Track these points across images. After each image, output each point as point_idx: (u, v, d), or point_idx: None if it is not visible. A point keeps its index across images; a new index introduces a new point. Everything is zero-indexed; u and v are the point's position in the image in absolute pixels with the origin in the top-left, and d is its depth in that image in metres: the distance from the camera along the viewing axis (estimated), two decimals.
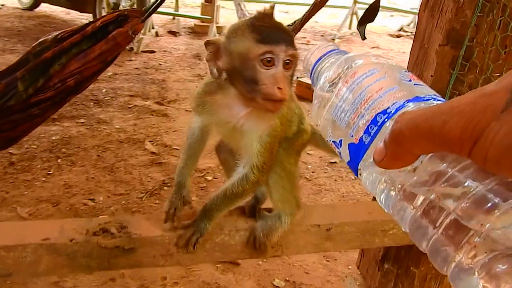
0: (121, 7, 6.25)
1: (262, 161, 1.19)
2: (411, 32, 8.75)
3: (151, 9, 1.68)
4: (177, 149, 3.65)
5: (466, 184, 0.43)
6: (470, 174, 0.43)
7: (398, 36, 8.60)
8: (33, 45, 1.70)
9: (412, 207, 0.48)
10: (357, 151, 0.57)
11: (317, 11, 1.96)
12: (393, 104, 0.54)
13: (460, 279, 0.43)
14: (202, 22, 7.17)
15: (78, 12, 6.92)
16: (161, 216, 1.27)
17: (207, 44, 1.11)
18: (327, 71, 0.70)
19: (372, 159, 0.50)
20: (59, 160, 3.31)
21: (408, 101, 0.54)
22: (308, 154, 3.72)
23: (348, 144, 0.59)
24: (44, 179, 3.07)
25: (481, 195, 0.42)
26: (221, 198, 1.24)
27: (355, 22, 8.62)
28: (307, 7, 2.02)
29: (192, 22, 7.53)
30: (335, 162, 3.63)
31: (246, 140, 1.19)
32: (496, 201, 0.41)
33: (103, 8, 6.25)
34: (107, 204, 2.90)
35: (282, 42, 1.04)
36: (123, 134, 3.80)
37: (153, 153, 3.56)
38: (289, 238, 1.37)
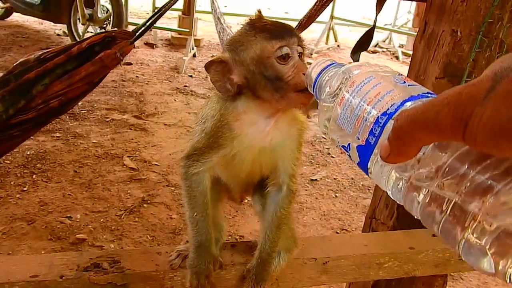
0: (96, 18, 6.18)
1: (297, 167, 1.16)
2: (386, 48, 8.95)
3: (141, 31, 1.64)
4: (157, 164, 3.59)
5: (463, 171, 0.48)
6: (468, 160, 0.48)
7: (374, 52, 8.76)
8: (15, 64, 1.63)
9: (419, 197, 0.54)
10: (365, 151, 0.63)
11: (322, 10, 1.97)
12: (392, 105, 0.60)
13: (471, 254, 0.48)
14: (180, 34, 7.13)
15: (51, 23, 6.78)
16: (155, 249, 1.22)
17: (209, 65, 1.06)
18: (328, 83, 0.77)
19: (379, 157, 0.56)
20: (34, 176, 3.21)
21: (405, 100, 0.60)
22: None
23: (356, 147, 0.65)
24: (18, 195, 2.97)
25: (478, 180, 0.47)
26: (274, 233, 1.18)
27: (331, 37, 8.78)
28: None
29: (169, 34, 7.49)
30: (316, 180, 3.64)
31: (279, 154, 1.14)
32: (492, 183, 0.46)
33: (78, 19, 6.15)
34: (85, 222, 2.82)
35: (291, 35, 1.04)
36: (100, 149, 3.71)
37: (132, 168, 3.49)
38: (285, 271, 1.35)
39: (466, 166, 0.48)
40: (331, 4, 8.35)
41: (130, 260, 1.19)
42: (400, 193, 0.58)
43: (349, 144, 0.67)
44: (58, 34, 6.98)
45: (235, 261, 1.32)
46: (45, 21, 6.90)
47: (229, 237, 2.86)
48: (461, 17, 1.53)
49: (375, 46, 8.93)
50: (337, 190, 3.65)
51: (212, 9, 5.63)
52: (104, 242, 2.65)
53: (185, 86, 5.51)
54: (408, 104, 0.59)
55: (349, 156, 0.68)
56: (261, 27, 1.05)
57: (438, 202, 0.51)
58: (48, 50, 1.69)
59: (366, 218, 2.04)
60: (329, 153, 4.26)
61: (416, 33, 1.79)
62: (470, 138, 0.44)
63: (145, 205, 3.07)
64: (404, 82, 0.65)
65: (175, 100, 5.04)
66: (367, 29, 1.94)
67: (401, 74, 0.69)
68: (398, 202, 0.59)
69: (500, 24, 1.48)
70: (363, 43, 1.84)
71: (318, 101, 0.79)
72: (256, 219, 2.86)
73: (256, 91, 1.06)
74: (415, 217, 0.57)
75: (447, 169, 0.50)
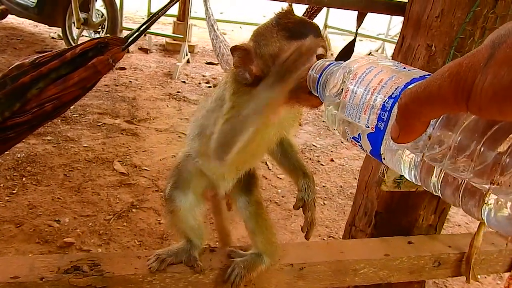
0: (90, 23, 6.21)
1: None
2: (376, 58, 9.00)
3: (133, 37, 1.68)
4: (147, 169, 3.62)
5: (474, 141, 0.49)
6: (476, 133, 0.50)
7: None
8: (10, 68, 1.67)
9: (435, 173, 0.56)
10: (376, 138, 0.65)
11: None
12: (396, 89, 0.62)
13: (496, 219, 0.49)
14: (174, 40, 7.18)
15: (46, 25, 6.80)
16: (135, 253, 1.26)
17: (234, 50, 1.09)
18: (330, 81, 0.79)
19: (391, 140, 0.57)
20: (23, 179, 3.23)
21: (408, 83, 0.62)
22: (278, 178, 3.76)
23: (367, 135, 0.67)
24: (7, 198, 2.99)
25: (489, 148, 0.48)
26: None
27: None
28: None
29: (163, 40, 7.53)
30: None
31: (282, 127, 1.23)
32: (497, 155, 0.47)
33: (73, 22, 6.18)
34: (73, 226, 2.84)
35: (311, 34, 1.05)
36: (91, 153, 3.74)
37: (122, 173, 3.52)
38: (262, 276, 1.40)
39: (476, 135, 0.49)
40: (325, 14, 8.43)
41: (110, 264, 1.23)
42: (417, 174, 0.60)
43: (359, 134, 0.69)
44: (52, 37, 7.00)
45: (213, 266, 1.37)
46: (40, 24, 6.92)
47: (216, 243, 2.89)
48: (435, 32, 1.58)
49: (369, 54, 9.02)
50: (325, 197, 3.69)
51: (206, 16, 5.68)
52: (91, 246, 2.68)
53: (178, 92, 5.54)
54: (410, 86, 0.61)
55: (361, 146, 0.70)
56: (284, 24, 1.07)
57: (454, 175, 0.53)
58: (42, 54, 1.73)
59: (346, 225, 2.09)
60: (318, 161, 4.30)
61: None
62: (474, 107, 0.44)
63: (134, 210, 3.10)
64: (404, 67, 0.68)
65: (167, 106, 5.08)
66: (360, 38, 2.00)
67: (399, 62, 0.71)
68: (415, 183, 0.62)
69: (471, 40, 1.54)
70: (344, 56, 1.89)
71: (323, 100, 0.82)
72: (241, 221, 2.90)
73: None
74: (434, 194, 0.59)
75: (458, 141, 0.51)
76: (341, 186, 3.90)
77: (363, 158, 4.52)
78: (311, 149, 4.49)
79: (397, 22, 9.45)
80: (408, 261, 1.60)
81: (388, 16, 8.95)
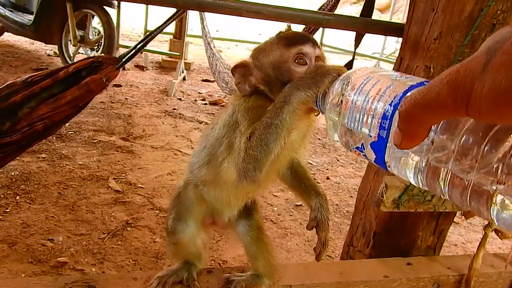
0: (87, 40, 6.23)
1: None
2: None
3: (127, 57, 1.68)
4: (142, 187, 3.59)
5: (475, 142, 0.51)
6: (478, 135, 0.51)
7: None
8: (1, 87, 1.66)
9: (441, 176, 0.56)
10: (379, 146, 0.66)
11: None
12: (395, 97, 0.63)
13: (502, 217, 0.50)
14: (170, 57, 7.21)
15: (42, 43, 6.82)
16: (131, 274, 1.24)
17: (234, 68, 1.15)
18: (329, 94, 0.81)
19: (394, 147, 0.58)
20: (17, 197, 3.19)
21: (406, 91, 0.63)
22: (274, 196, 3.74)
23: (370, 144, 0.68)
24: (0, 217, 2.94)
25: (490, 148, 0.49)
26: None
27: None
28: None
29: (159, 57, 7.56)
30: (300, 205, 3.66)
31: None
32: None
33: (69, 40, 6.19)
34: (67, 245, 2.80)
35: (309, 42, 1.10)
36: (86, 171, 3.71)
37: (117, 191, 3.49)
38: None
39: (478, 137, 0.51)
40: (321, 33, 8.52)
41: (106, 285, 1.21)
42: (422, 178, 0.61)
43: (362, 144, 0.70)
44: (49, 55, 7.02)
45: (210, 287, 1.35)
46: (36, 41, 6.94)
47: (212, 262, 2.86)
48: (433, 54, 1.60)
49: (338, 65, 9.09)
50: None
51: (202, 34, 5.73)
52: (85, 265, 2.63)
53: (174, 109, 5.54)
54: (409, 93, 0.62)
55: (365, 155, 0.71)
56: (283, 36, 1.15)
57: (460, 177, 0.54)
58: (35, 73, 1.73)
59: (344, 246, 2.07)
60: (315, 179, 4.29)
61: None
62: (474, 112, 0.45)
63: (128, 228, 3.06)
64: (401, 76, 0.69)
65: (163, 123, 5.07)
66: (356, 57, 2.01)
67: (396, 71, 0.73)
68: (422, 187, 0.63)
69: None
70: None
71: (323, 113, 0.83)
72: (240, 244, 2.87)
73: (273, 94, 1.12)
74: (442, 197, 0.60)
75: (460, 144, 0.52)
76: (337, 204, 3.88)
77: (359, 176, 4.53)
78: (308, 167, 4.48)
79: (392, 41, 9.58)
80: (407, 283, 1.58)
81: (383, 36, 9.07)
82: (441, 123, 0.55)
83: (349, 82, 0.74)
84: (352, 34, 1.87)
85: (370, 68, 0.76)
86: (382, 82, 0.68)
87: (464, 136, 0.52)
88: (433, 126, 0.54)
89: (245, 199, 1.35)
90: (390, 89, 0.65)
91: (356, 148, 0.72)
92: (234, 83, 1.16)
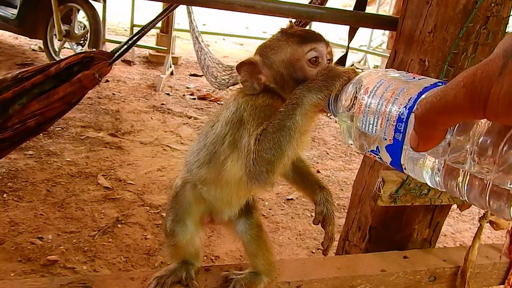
0: (72, 35, 6.13)
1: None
2: (361, 69, 9.12)
3: (120, 51, 1.65)
4: (132, 183, 3.55)
5: (493, 143, 0.51)
6: (495, 136, 0.51)
7: None
8: None
9: (459, 178, 0.57)
10: (395, 149, 0.66)
11: None
12: (409, 99, 0.63)
13: None
14: (158, 52, 7.14)
15: (27, 38, 6.69)
16: (128, 274, 1.22)
17: (240, 66, 1.11)
18: (342, 97, 0.81)
19: (410, 150, 0.58)
20: (4, 195, 3.13)
21: (420, 93, 0.63)
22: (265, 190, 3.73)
23: (385, 147, 0.68)
24: None
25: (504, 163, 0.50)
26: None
27: None
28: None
29: (147, 51, 7.48)
30: (291, 199, 3.66)
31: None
32: None
33: (55, 34, 6.08)
34: (57, 243, 2.76)
35: (321, 40, 1.08)
36: (74, 168, 3.66)
37: (106, 188, 3.44)
38: None
39: (496, 138, 0.51)
40: (308, 26, 8.51)
41: (103, 286, 1.18)
42: (440, 180, 0.60)
43: (377, 147, 0.70)
44: (33, 49, 6.89)
45: (209, 285, 1.33)
46: (20, 36, 6.81)
47: (205, 257, 2.84)
48: (428, 48, 1.59)
49: (351, 66, 9.12)
50: (313, 209, 3.66)
51: (190, 28, 5.68)
52: (76, 263, 2.60)
53: (162, 104, 5.49)
54: (424, 95, 0.62)
55: (380, 158, 0.71)
56: (293, 33, 1.10)
57: (478, 178, 0.54)
58: (26, 69, 1.68)
59: (339, 240, 2.07)
60: None
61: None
62: (492, 114, 0.46)
63: (119, 225, 3.03)
64: (414, 77, 0.69)
65: (151, 118, 5.02)
66: (343, 49, 2.00)
67: (408, 72, 0.73)
68: (439, 189, 0.63)
69: (464, 55, 1.55)
70: None
71: (336, 117, 0.83)
72: (232, 240, 2.85)
73: (284, 92, 1.09)
74: (460, 198, 0.59)
75: (478, 145, 0.52)
76: None
77: (348, 169, 4.54)
78: None
79: (378, 34, 9.60)
80: (404, 276, 1.59)
81: (370, 28, 9.09)
82: (457, 125, 0.55)
83: (362, 85, 0.74)
84: (342, 27, 1.86)
85: (381, 71, 0.76)
86: (395, 85, 0.68)
87: (482, 137, 0.52)
88: (449, 128, 0.54)
89: (247, 198, 1.34)
90: (404, 91, 0.65)
91: (371, 151, 0.72)
92: (240, 81, 1.12)
